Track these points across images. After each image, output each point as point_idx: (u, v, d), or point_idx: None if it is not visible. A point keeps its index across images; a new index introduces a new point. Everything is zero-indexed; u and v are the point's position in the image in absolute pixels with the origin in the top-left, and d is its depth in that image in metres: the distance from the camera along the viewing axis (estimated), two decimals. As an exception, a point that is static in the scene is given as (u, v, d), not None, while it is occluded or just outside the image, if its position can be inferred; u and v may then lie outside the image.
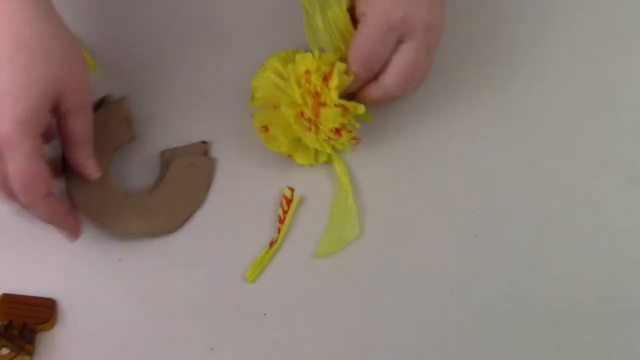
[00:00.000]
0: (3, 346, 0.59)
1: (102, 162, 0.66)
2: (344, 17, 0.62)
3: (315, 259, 0.64)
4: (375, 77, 0.62)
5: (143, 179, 0.67)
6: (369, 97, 0.63)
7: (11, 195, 0.58)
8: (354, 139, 0.64)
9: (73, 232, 0.61)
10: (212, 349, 0.61)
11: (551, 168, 0.67)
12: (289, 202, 0.65)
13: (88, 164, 0.61)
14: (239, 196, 0.66)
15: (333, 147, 0.65)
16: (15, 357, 0.59)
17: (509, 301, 0.63)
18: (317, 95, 0.61)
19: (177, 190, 0.65)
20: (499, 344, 0.62)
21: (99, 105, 0.67)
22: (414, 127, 0.67)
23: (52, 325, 0.61)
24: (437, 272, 0.64)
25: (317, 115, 0.62)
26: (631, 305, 0.63)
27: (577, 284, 0.63)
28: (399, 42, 0.60)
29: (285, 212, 0.65)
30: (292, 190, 0.66)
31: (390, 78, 0.62)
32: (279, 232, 0.64)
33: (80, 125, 0.59)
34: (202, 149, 0.67)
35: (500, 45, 0.72)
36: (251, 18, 0.71)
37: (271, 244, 0.64)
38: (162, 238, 0.65)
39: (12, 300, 0.62)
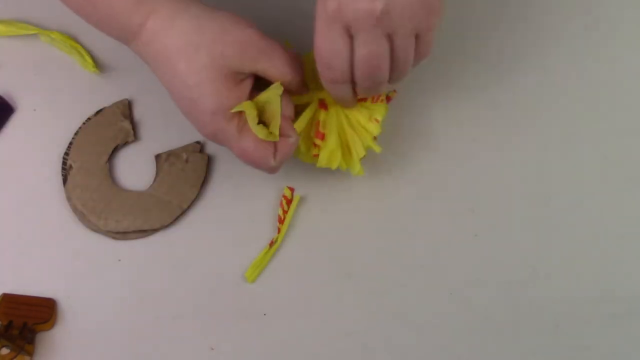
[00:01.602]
0: (3, 346, 0.59)
1: (101, 162, 0.66)
2: None
3: (315, 259, 0.64)
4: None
5: (143, 179, 0.67)
6: (334, 93, 0.60)
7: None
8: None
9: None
10: (212, 349, 0.61)
11: (551, 168, 0.67)
12: (289, 202, 0.65)
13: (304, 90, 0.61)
14: (239, 196, 0.66)
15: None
16: (15, 357, 0.59)
17: (509, 301, 0.63)
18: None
19: (170, 185, 0.65)
20: (499, 344, 0.62)
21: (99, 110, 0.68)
22: (413, 127, 0.67)
23: (52, 325, 0.61)
24: (437, 272, 0.64)
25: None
26: (631, 306, 0.63)
27: (577, 284, 0.63)
28: (350, 35, 0.55)
29: (285, 212, 0.65)
30: (292, 190, 0.66)
31: (356, 73, 0.57)
32: (279, 232, 0.64)
33: (275, 67, 0.58)
34: (196, 149, 0.67)
35: (500, 45, 0.72)
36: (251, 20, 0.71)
37: (271, 244, 0.64)
38: (162, 238, 0.65)
39: (12, 300, 0.62)
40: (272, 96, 0.58)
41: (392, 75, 0.57)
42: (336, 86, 0.58)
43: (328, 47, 0.56)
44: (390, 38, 0.55)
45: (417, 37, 0.56)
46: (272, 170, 0.59)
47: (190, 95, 0.56)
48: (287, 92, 0.59)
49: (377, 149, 0.63)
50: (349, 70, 0.57)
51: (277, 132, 0.58)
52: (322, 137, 0.62)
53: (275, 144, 0.58)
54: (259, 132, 0.57)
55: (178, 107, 0.58)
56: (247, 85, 0.58)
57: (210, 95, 0.56)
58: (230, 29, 0.57)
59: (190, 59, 0.56)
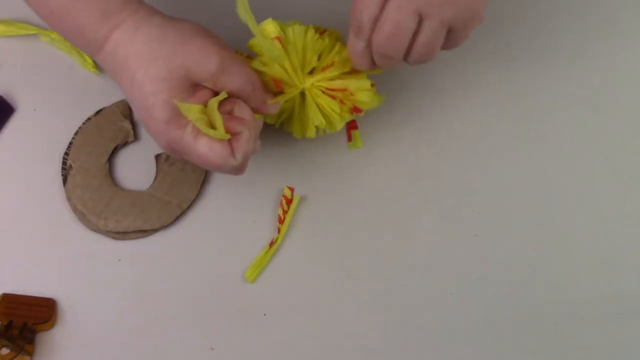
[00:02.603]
0: (3, 346, 0.59)
1: (101, 162, 0.66)
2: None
3: (315, 259, 0.64)
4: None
5: (143, 179, 0.67)
6: (350, 50, 0.59)
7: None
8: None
9: None
10: (212, 349, 0.61)
11: (551, 168, 0.67)
12: (289, 202, 0.65)
13: (263, 109, 0.59)
14: (239, 196, 0.66)
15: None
16: (15, 357, 0.59)
17: (509, 301, 0.63)
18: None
19: (170, 185, 0.65)
20: (499, 344, 0.62)
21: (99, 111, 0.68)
22: (413, 127, 0.67)
23: (52, 326, 0.61)
24: (437, 272, 0.64)
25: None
26: (631, 306, 0.63)
27: (577, 284, 0.63)
28: (420, 20, 0.56)
29: (285, 212, 0.65)
30: (292, 190, 0.66)
31: (377, 33, 0.57)
32: (278, 232, 0.64)
33: (234, 81, 0.58)
34: None
35: (500, 45, 0.72)
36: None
37: (271, 244, 0.64)
38: (162, 238, 0.65)
39: (12, 300, 0.62)
40: (211, 101, 0.57)
41: (409, 55, 0.57)
42: (357, 40, 0.58)
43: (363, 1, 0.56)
44: (421, 18, 0.55)
45: (449, 31, 0.57)
46: (237, 170, 0.58)
47: (145, 104, 0.55)
48: (251, 107, 0.58)
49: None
50: (371, 29, 0.57)
51: (222, 131, 0.56)
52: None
53: (230, 143, 0.57)
54: (209, 132, 0.56)
55: (138, 118, 0.57)
56: (205, 94, 0.57)
57: (164, 104, 0.55)
58: (191, 39, 0.56)
59: (149, 67, 0.55)
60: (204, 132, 0.56)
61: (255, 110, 0.59)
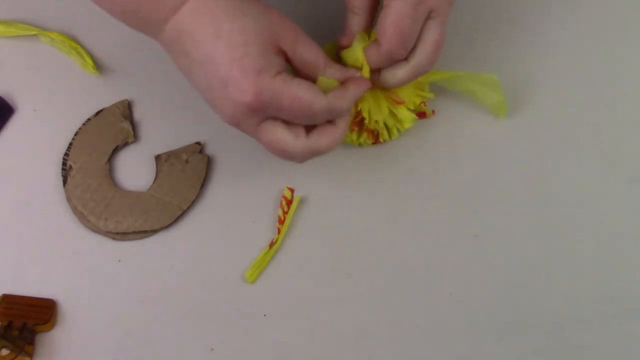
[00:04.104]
0: (3, 347, 0.59)
1: (101, 163, 0.66)
2: None
3: (315, 260, 0.64)
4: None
5: (143, 179, 0.67)
6: (395, 79, 0.61)
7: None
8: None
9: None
10: (212, 349, 0.61)
11: (551, 168, 0.67)
12: (289, 202, 0.65)
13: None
14: (239, 197, 0.66)
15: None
16: (15, 357, 0.59)
17: (509, 301, 0.63)
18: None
19: (170, 186, 0.66)
20: (498, 344, 0.62)
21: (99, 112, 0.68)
22: (413, 127, 0.67)
23: (52, 326, 0.61)
24: (437, 272, 0.64)
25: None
26: (631, 307, 0.63)
27: (577, 284, 0.63)
28: (428, 17, 0.58)
29: (285, 212, 0.65)
30: (292, 190, 0.66)
31: (422, 57, 0.59)
32: (279, 232, 0.64)
33: (311, 52, 0.58)
34: (196, 150, 0.67)
35: (500, 45, 0.72)
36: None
37: (271, 244, 0.64)
38: (162, 239, 0.65)
39: (12, 301, 0.62)
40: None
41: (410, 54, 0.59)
42: (390, 63, 0.60)
43: (410, 27, 0.57)
44: (431, 17, 0.58)
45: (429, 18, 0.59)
46: (327, 113, 0.57)
47: (234, 55, 0.54)
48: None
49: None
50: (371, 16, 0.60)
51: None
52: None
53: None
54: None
55: (212, 78, 0.56)
56: (283, 61, 0.57)
57: (257, 55, 0.55)
58: (270, 7, 0.57)
59: (237, 19, 0.55)
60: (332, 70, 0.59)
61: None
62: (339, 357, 0.62)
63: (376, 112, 0.62)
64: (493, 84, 0.66)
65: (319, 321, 0.62)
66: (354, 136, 0.65)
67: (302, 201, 0.66)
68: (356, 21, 0.61)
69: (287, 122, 0.57)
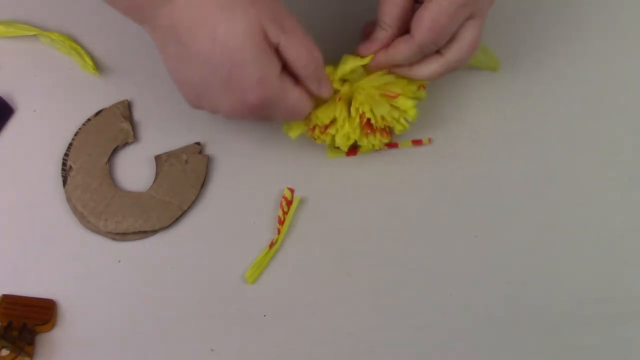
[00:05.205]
0: (3, 347, 0.59)
1: (101, 163, 0.66)
2: None
3: (315, 260, 0.64)
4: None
5: (143, 180, 0.67)
6: (429, 71, 0.61)
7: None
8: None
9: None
10: (212, 350, 0.61)
11: (551, 168, 0.67)
12: (289, 203, 0.65)
13: (322, 90, 0.61)
14: (239, 197, 0.66)
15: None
16: (15, 358, 0.59)
17: (509, 302, 0.63)
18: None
19: (170, 186, 0.66)
20: (498, 344, 0.62)
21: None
22: (412, 128, 0.67)
23: (52, 327, 0.61)
24: (437, 272, 0.64)
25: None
26: (632, 307, 0.63)
27: (577, 284, 0.63)
28: (468, 17, 0.59)
29: (285, 213, 0.65)
30: (292, 191, 0.66)
31: (458, 54, 0.60)
32: (279, 233, 0.64)
33: (301, 47, 0.58)
34: (196, 150, 0.67)
35: (500, 45, 0.72)
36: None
37: (271, 245, 0.64)
38: (162, 239, 0.65)
39: (12, 301, 0.62)
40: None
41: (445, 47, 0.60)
42: (420, 56, 0.61)
43: (448, 25, 0.58)
44: (471, 17, 0.59)
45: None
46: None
47: (233, 60, 0.55)
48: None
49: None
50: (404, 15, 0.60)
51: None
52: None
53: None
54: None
55: (209, 77, 0.56)
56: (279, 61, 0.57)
57: (254, 61, 0.55)
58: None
59: (229, 23, 0.55)
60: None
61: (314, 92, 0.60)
62: (339, 357, 0.62)
63: (378, 108, 0.62)
64: (482, 50, 0.68)
65: (319, 321, 0.62)
66: (370, 138, 0.64)
67: (302, 201, 0.66)
68: (382, 35, 0.61)
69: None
